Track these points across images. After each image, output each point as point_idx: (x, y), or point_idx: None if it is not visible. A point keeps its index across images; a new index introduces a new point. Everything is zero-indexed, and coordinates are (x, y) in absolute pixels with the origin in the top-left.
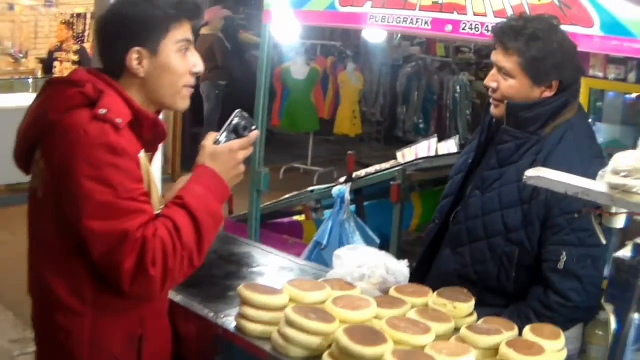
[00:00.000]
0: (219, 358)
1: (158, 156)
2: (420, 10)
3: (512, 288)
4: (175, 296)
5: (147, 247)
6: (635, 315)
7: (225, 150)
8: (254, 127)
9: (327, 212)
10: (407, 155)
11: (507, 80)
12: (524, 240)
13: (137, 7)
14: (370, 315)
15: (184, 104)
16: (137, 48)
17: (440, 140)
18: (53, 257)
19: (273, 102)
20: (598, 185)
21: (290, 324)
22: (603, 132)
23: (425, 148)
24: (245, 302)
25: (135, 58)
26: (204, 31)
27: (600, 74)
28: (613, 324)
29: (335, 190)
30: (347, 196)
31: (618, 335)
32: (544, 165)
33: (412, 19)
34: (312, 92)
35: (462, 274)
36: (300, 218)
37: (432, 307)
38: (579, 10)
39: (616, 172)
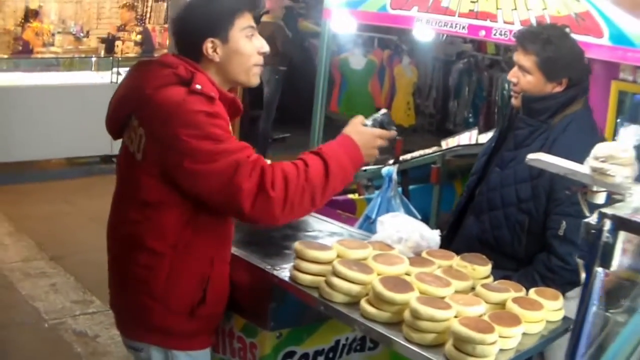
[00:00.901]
0: (274, 304)
1: None
2: (458, 16)
3: (522, 253)
4: (236, 250)
5: (266, 172)
6: (599, 269)
7: (369, 131)
8: (393, 128)
9: (377, 192)
10: (450, 143)
11: (525, 76)
12: (532, 210)
13: (205, 5)
14: (402, 271)
15: (255, 80)
16: (210, 38)
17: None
18: (145, 208)
19: (332, 89)
20: (583, 168)
21: (336, 273)
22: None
23: (467, 138)
24: (299, 256)
25: (210, 47)
26: (265, 19)
27: (630, 78)
28: (583, 277)
29: (384, 170)
30: (394, 176)
31: (586, 285)
32: (550, 149)
33: (451, 24)
34: (369, 82)
35: (482, 239)
36: (354, 196)
37: (455, 268)
38: (592, 23)
39: (596, 158)
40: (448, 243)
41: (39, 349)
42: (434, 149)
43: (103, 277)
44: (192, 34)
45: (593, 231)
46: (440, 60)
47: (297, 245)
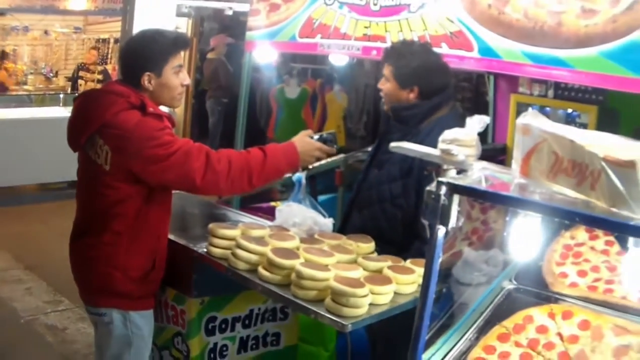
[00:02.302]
0: (196, 275)
1: None
2: (354, 39)
3: (399, 240)
4: (169, 235)
5: (211, 152)
6: (440, 227)
7: (312, 142)
8: (336, 147)
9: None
10: None
11: (385, 84)
12: (404, 204)
13: (147, 45)
14: (293, 245)
15: (178, 104)
16: (147, 73)
17: None
18: (110, 203)
19: (269, 117)
20: (435, 151)
21: (239, 246)
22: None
23: None
24: (212, 234)
25: (146, 79)
26: (210, 55)
27: (527, 91)
28: (428, 233)
29: (295, 176)
30: (303, 181)
31: (431, 239)
32: None
33: (348, 46)
34: (302, 110)
35: (365, 230)
36: (275, 203)
37: (342, 245)
38: (464, 39)
39: (443, 141)
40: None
41: (17, 339)
42: (339, 156)
43: (71, 282)
44: (133, 67)
45: (433, 196)
46: (371, 86)
47: (210, 225)
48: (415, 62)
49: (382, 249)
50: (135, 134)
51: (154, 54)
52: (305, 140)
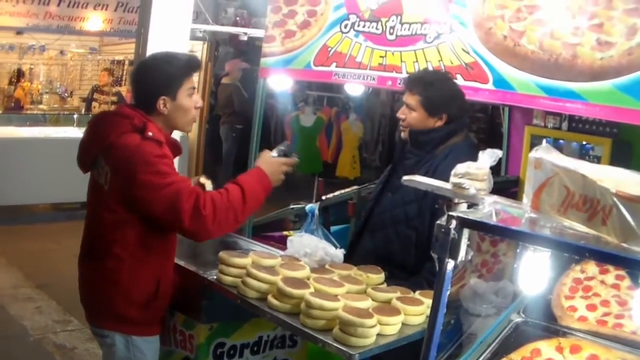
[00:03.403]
0: (205, 301)
1: None
2: (370, 69)
3: (412, 264)
4: (179, 260)
5: (199, 197)
6: (450, 260)
7: (276, 161)
8: (294, 154)
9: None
10: None
11: (411, 113)
12: (418, 226)
13: (160, 68)
14: (303, 275)
15: (190, 128)
16: (163, 97)
17: None
18: (112, 226)
19: None
20: (446, 185)
21: (249, 274)
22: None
23: None
24: (222, 262)
25: (162, 103)
26: (224, 80)
27: (541, 123)
28: (437, 266)
29: (308, 207)
30: (316, 212)
31: (440, 273)
32: (433, 174)
33: (363, 76)
34: (317, 138)
35: (377, 253)
36: (287, 233)
37: (352, 276)
38: (479, 71)
39: (455, 175)
40: (347, 259)
41: (25, 357)
42: (352, 188)
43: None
44: (148, 92)
45: (443, 230)
46: (387, 116)
47: (221, 253)
48: (445, 89)
49: (393, 273)
50: (134, 156)
51: (168, 78)
52: (269, 161)
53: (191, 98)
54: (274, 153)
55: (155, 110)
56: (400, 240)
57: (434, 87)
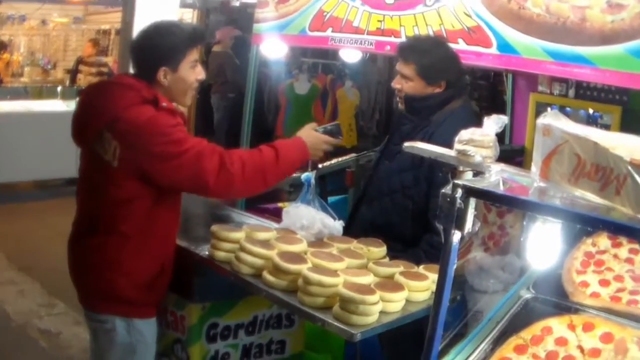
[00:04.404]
0: (197, 279)
1: None
2: (367, 34)
3: (409, 234)
4: None
5: (224, 153)
6: (456, 232)
7: (318, 136)
8: (341, 137)
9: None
10: None
11: (407, 83)
12: (414, 195)
13: (163, 37)
14: (300, 249)
15: (189, 101)
16: (164, 68)
17: None
18: (118, 202)
19: (278, 114)
20: (450, 152)
21: (243, 249)
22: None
23: None
24: (214, 236)
25: (162, 74)
26: (215, 49)
27: (547, 90)
28: (443, 239)
29: (304, 176)
30: (313, 181)
31: (446, 245)
32: (429, 140)
33: (361, 41)
34: (312, 106)
35: (374, 223)
36: (282, 204)
37: (352, 250)
38: (482, 35)
39: (460, 142)
40: (347, 230)
41: (8, 344)
42: (350, 155)
43: (67, 283)
44: (149, 62)
45: (448, 199)
46: (384, 83)
47: (213, 227)
48: (441, 55)
49: (390, 245)
50: (147, 129)
51: (171, 48)
52: (312, 134)
53: (194, 70)
54: (320, 129)
55: (155, 81)
56: (396, 210)
57: (430, 54)
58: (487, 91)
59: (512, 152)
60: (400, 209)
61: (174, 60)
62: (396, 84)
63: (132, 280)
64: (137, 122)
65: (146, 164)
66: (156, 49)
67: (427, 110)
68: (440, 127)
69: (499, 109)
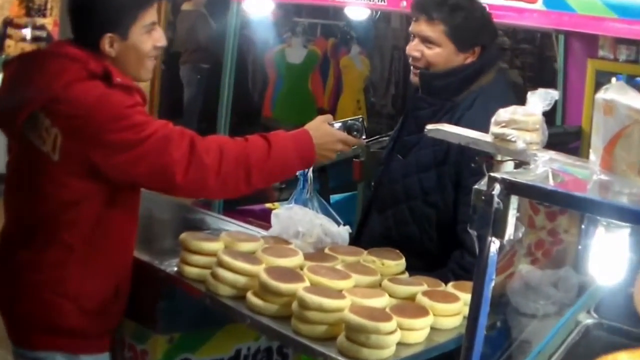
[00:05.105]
0: (162, 302)
1: None
2: None
3: (435, 251)
4: None
5: (197, 138)
6: (494, 239)
7: (331, 131)
8: (363, 137)
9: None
10: None
11: (432, 49)
12: (439, 202)
13: None
14: (294, 263)
15: (147, 75)
16: (109, 34)
17: None
18: (62, 205)
19: (265, 90)
20: (485, 136)
21: (221, 264)
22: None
23: None
24: (184, 247)
25: (107, 43)
26: (185, 7)
27: (610, 55)
28: (477, 248)
29: None
30: (310, 174)
31: (481, 256)
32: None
33: None
34: (309, 78)
35: (388, 237)
36: (272, 205)
37: (361, 264)
38: None
39: (497, 124)
40: (355, 240)
41: None
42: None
43: None
44: (90, 26)
45: (483, 197)
46: (401, 48)
47: (182, 236)
48: (476, 12)
49: (410, 264)
50: (97, 111)
51: (118, 9)
52: (323, 129)
53: (150, 36)
54: (337, 123)
55: (98, 50)
56: (416, 221)
57: (464, 10)
58: (533, 57)
59: (566, 136)
60: (421, 220)
61: (122, 24)
62: (413, 50)
63: (78, 304)
64: (84, 102)
65: (97, 156)
66: (98, 9)
67: (450, 90)
68: (470, 110)
69: (548, 80)
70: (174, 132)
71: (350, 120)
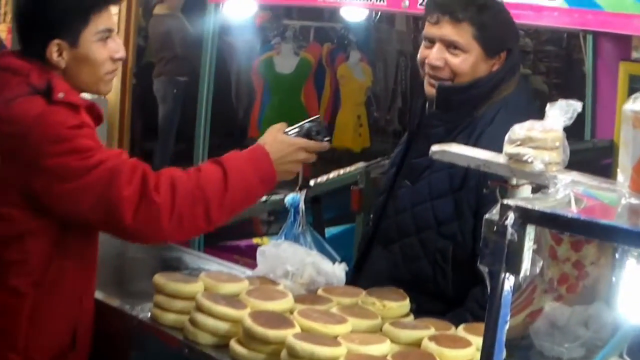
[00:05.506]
0: (135, 353)
1: None
2: None
3: (451, 290)
4: (96, 293)
5: (149, 175)
6: (508, 276)
7: (289, 141)
8: (326, 138)
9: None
10: None
11: (457, 56)
12: (456, 233)
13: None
14: (283, 307)
15: (106, 89)
16: (56, 41)
17: None
18: (6, 244)
19: (252, 104)
20: (498, 157)
21: (199, 308)
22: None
23: None
24: (159, 290)
25: (55, 50)
26: (158, 10)
27: None
28: (489, 285)
29: (288, 199)
30: (302, 205)
31: (493, 295)
32: (476, 145)
33: None
34: (302, 91)
35: (395, 275)
36: (259, 240)
37: (359, 306)
38: None
39: (511, 142)
40: (353, 279)
41: None
42: (357, 165)
43: None
44: (35, 32)
45: (495, 228)
46: (407, 54)
47: (156, 277)
48: (502, 13)
49: (421, 304)
50: (35, 131)
51: (66, 11)
52: (280, 140)
53: (105, 44)
54: (291, 131)
55: (46, 61)
56: (428, 255)
57: (491, 10)
58: (559, 61)
59: (595, 152)
60: (434, 254)
61: (71, 28)
62: (435, 59)
63: (30, 356)
64: (23, 121)
65: (36, 184)
66: (44, 12)
67: (470, 104)
68: (491, 125)
69: (577, 86)
70: (125, 164)
71: (307, 122)
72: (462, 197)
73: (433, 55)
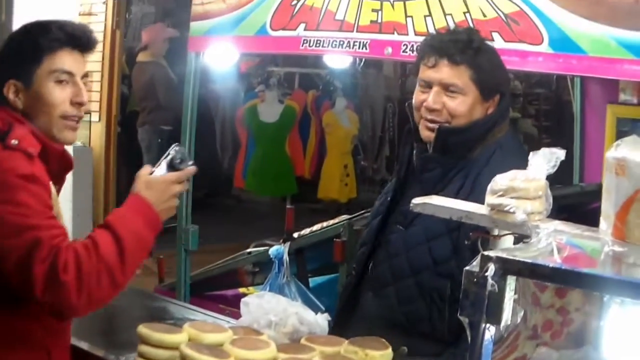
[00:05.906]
0: None
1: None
2: (357, 31)
3: (447, 331)
4: (78, 342)
5: (60, 255)
6: (488, 326)
7: (160, 181)
8: (190, 162)
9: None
10: None
11: (455, 98)
12: (454, 271)
13: (13, 40)
14: (267, 356)
15: (66, 136)
16: (12, 81)
17: None
18: None
19: (236, 155)
20: (480, 209)
21: (184, 358)
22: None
23: None
24: (143, 341)
25: (12, 91)
26: (142, 58)
27: (634, 99)
28: (469, 336)
29: (273, 251)
30: (286, 257)
31: (474, 345)
32: (473, 188)
33: (348, 42)
34: (286, 140)
35: (389, 318)
36: (246, 290)
37: (342, 355)
38: (527, 26)
39: (494, 193)
40: (337, 329)
41: None
42: (341, 217)
43: None
44: None
45: (475, 280)
46: (395, 100)
47: (140, 327)
48: (496, 56)
49: (417, 347)
50: None
51: (19, 51)
52: (152, 183)
53: (61, 88)
54: (158, 169)
55: (5, 101)
56: (425, 296)
57: (486, 53)
58: (549, 103)
59: (583, 196)
60: (431, 294)
61: (22, 68)
62: (434, 102)
63: None
64: None
65: None
66: (4, 50)
67: (467, 146)
68: (487, 167)
69: (567, 128)
70: (47, 240)
71: (169, 153)
72: (459, 236)
73: (431, 98)
